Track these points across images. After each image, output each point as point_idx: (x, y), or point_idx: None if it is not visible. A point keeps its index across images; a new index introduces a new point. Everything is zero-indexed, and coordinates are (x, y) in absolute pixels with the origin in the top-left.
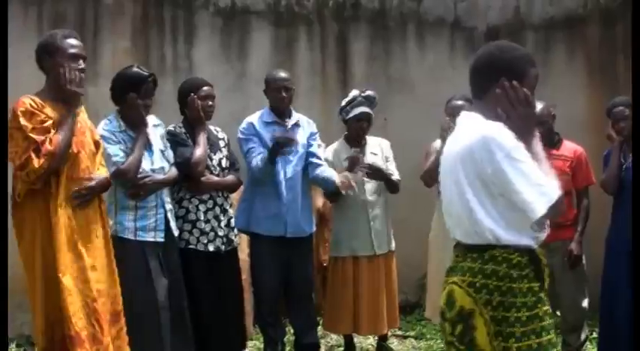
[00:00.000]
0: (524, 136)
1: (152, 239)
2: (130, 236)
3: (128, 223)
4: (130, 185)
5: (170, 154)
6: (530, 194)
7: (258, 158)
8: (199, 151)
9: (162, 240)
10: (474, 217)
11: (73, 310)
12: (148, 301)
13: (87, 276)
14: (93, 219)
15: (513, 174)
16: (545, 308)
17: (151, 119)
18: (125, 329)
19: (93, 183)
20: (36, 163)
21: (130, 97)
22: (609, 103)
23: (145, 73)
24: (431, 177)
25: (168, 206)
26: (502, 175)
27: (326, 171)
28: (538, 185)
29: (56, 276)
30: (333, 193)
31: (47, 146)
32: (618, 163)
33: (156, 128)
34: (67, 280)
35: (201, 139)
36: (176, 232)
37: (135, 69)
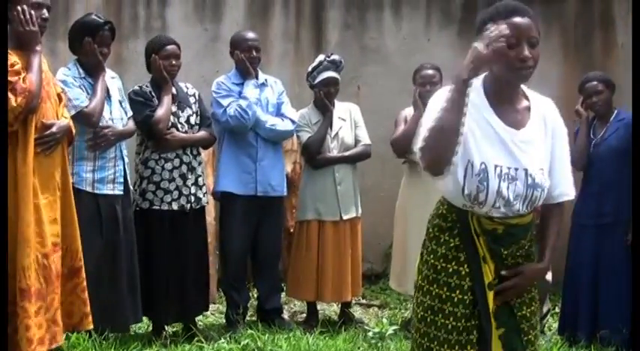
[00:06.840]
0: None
1: (111, 192)
2: (88, 188)
3: (86, 174)
4: (90, 135)
5: (128, 106)
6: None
7: (235, 105)
8: (161, 111)
9: (121, 192)
10: None
11: (28, 262)
12: (99, 255)
13: (43, 229)
14: (57, 169)
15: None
16: (456, 268)
17: (108, 72)
18: (84, 285)
19: (55, 129)
20: (13, 101)
21: (86, 42)
22: (582, 78)
23: (101, 20)
24: (400, 146)
25: (126, 159)
26: None
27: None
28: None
29: (15, 227)
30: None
31: (22, 84)
32: (587, 139)
33: (113, 80)
34: (24, 232)
35: (165, 98)
36: (131, 186)
37: (92, 16)
